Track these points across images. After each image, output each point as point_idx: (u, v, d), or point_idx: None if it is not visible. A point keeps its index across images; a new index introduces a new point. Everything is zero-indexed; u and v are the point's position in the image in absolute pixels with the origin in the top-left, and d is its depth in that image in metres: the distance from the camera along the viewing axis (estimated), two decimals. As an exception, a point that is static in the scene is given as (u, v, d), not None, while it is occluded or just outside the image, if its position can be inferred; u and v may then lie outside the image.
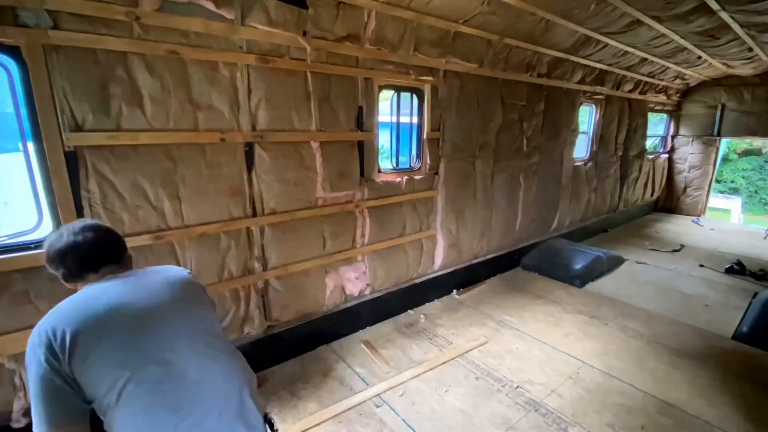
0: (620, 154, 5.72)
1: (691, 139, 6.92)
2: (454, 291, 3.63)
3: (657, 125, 7.09)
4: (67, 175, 1.65)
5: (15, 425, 1.67)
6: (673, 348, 2.78)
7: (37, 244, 1.66)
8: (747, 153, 16.15)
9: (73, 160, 1.66)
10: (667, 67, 5.07)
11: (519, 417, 2.10)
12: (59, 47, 1.56)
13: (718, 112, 6.45)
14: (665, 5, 2.96)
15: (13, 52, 1.50)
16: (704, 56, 4.62)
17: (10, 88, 1.55)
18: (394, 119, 3.00)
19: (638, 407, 2.19)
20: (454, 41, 2.91)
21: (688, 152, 7.00)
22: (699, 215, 7.00)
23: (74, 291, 1.01)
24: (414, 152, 3.19)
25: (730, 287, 3.90)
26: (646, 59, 4.52)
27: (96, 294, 0.98)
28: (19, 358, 1.66)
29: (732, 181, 16.07)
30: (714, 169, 6.89)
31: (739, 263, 4.30)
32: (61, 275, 1.03)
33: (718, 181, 14.71)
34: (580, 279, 3.88)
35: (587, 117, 5.18)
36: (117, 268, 1.08)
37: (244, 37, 2.00)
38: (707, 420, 2.10)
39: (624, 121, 5.50)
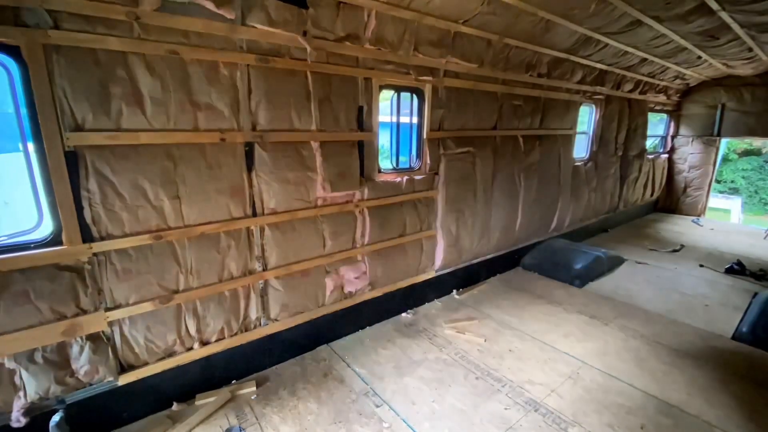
0: (620, 154, 5.72)
1: (691, 139, 6.92)
2: (454, 291, 3.63)
3: (657, 125, 7.09)
4: (67, 174, 1.65)
5: (15, 425, 1.67)
6: (673, 348, 2.78)
7: (38, 243, 1.66)
8: (747, 153, 16.15)
9: (73, 159, 1.66)
10: (667, 67, 5.07)
11: (519, 417, 2.10)
12: (59, 47, 1.56)
13: (718, 112, 6.45)
14: (665, 5, 2.96)
15: (13, 51, 1.50)
16: (704, 56, 4.63)
17: (10, 88, 1.55)
18: (394, 119, 3.00)
19: (638, 407, 2.19)
20: (454, 41, 2.91)
21: (688, 152, 7.00)
22: (699, 215, 7.00)
23: None
24: (414, 152, 3.19)
25: (730, 287, 3.90)
26: (646, 59, 4.52)
27: None
28: (19, 357, 1.66)
29: (732, 181, 16.07)
30: (714, 169, 6.89)
31: (739, 263, 4.30)
32: None
33: (718, 181, 14.73)
34: (580, 279, 3.88)
35: (587, 117, 5.18)
36: None
37: (244, 37, 2.00)
38: (707, 420, 2.10)
39: (624, 121, 5.50)
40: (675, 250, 5.05)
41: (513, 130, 3.85)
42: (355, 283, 2.84)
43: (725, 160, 15.83)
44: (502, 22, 2.92)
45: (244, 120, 2.10)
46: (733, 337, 2.95)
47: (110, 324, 1.87)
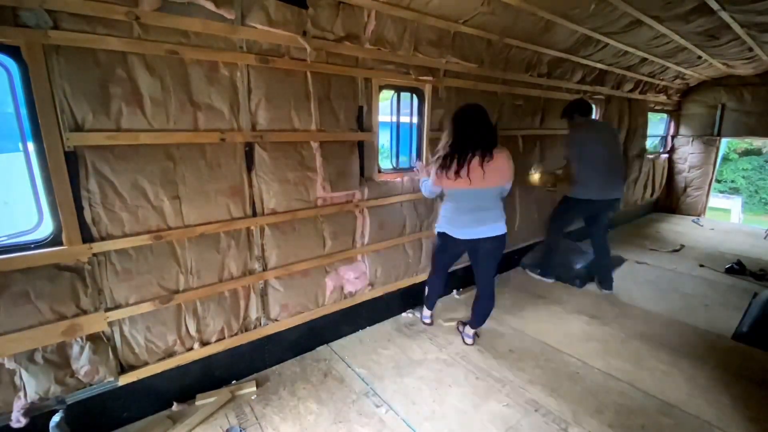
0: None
1: (691, 139, 6.92)
2: (455, 291, 3.63)
3: (657, 125, 7.08)
4: (67, 175, 1.65)
5: (15, 425, 1.67)
6: (673, 348, 2.78)
7: (38, 243, 1.66)
8: (747, 153, 16.17)
9: (73, 160, 1.66)
10: (667, 67, 5.07)
11: (519, 417, 2.10)
12: (59, 47, 1.55)
13: (718, 112, 6.45)
14: (665, 5, 2.96)
15: (13, 52, 1.50)
16: (704, 56, 4.62)
17: (10, 88, 1.55)
18: (394, 119, 3.00)
19: (638, 407, 2.19)
20: (454, 41, 2.91)
21: (688, 152, 6.99)
22: (699, 215, 7.00)
23: None
24: (414, 152, 3.19)
25: (730, 287, 3.90)
26: (646, 59, 4.52)
27: None
28: (19, 358, 1.66)
29: (732, 181, 16.08)
30: (714, 168, 6.88)
31: (739, 263, 4.30)
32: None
33: (718, 181, 14.73)
34: (580, 279, 3.87)
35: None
36: None
37: (244, 37, 2.00)
38: (707, 420, 2.10)
39: (624, 121, 5.49)
40: (675, 250, 5.05)
41: (513, 129, 3.85)
42: (355, 283, 2.84)
43: (725, 159, 15.84)
44: (502, 22, 2.92)
45: (243, 120, 2.10)
46: (733, 337, 2.94)
47: (110, 324, 1.87)
